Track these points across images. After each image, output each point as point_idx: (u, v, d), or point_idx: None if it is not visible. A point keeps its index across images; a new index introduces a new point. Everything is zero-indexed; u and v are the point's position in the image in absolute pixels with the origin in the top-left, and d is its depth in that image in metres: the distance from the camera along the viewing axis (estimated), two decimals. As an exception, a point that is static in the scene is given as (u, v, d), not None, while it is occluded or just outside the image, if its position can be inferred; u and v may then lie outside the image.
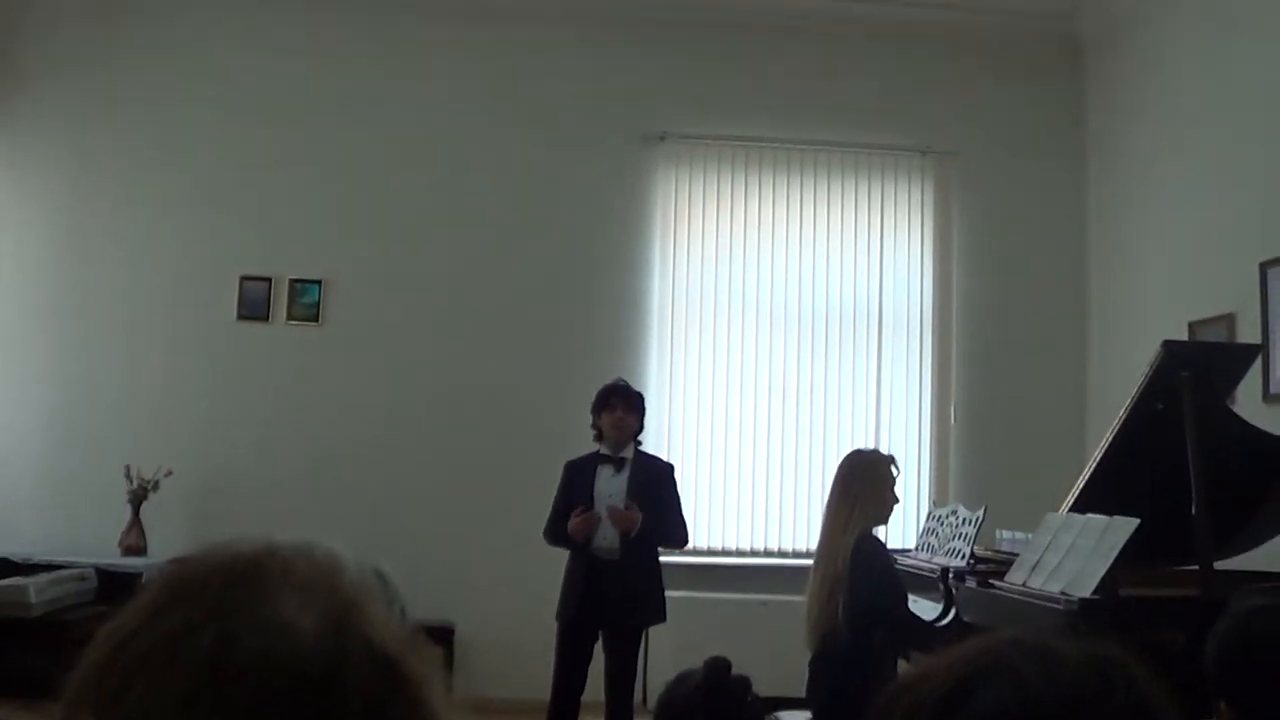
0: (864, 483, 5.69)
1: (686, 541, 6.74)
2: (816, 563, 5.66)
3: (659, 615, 6.50)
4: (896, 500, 5.87)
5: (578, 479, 6.47)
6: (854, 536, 5.49)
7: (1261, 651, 2.39)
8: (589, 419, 6.75)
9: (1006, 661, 1.12)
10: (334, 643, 1.05)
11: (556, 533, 6.42)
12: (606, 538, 6.28)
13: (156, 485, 7.88)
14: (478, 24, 8.76)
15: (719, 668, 2.81)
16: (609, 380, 6.65)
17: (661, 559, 8.29)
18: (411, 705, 1.07)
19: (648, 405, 8.40)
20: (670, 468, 6.69)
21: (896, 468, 5.90)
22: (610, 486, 6.38)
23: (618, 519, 6.24)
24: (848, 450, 8.31)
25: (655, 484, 6.48)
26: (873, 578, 5.40)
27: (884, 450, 6.24)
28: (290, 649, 1.03)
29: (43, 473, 8.24)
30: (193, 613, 1.06)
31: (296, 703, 1.02)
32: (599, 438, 6.52)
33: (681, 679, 2.86)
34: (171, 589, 1.08)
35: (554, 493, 6.46)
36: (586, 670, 6.29)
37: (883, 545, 5.80)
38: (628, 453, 6.47)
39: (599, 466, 6.44)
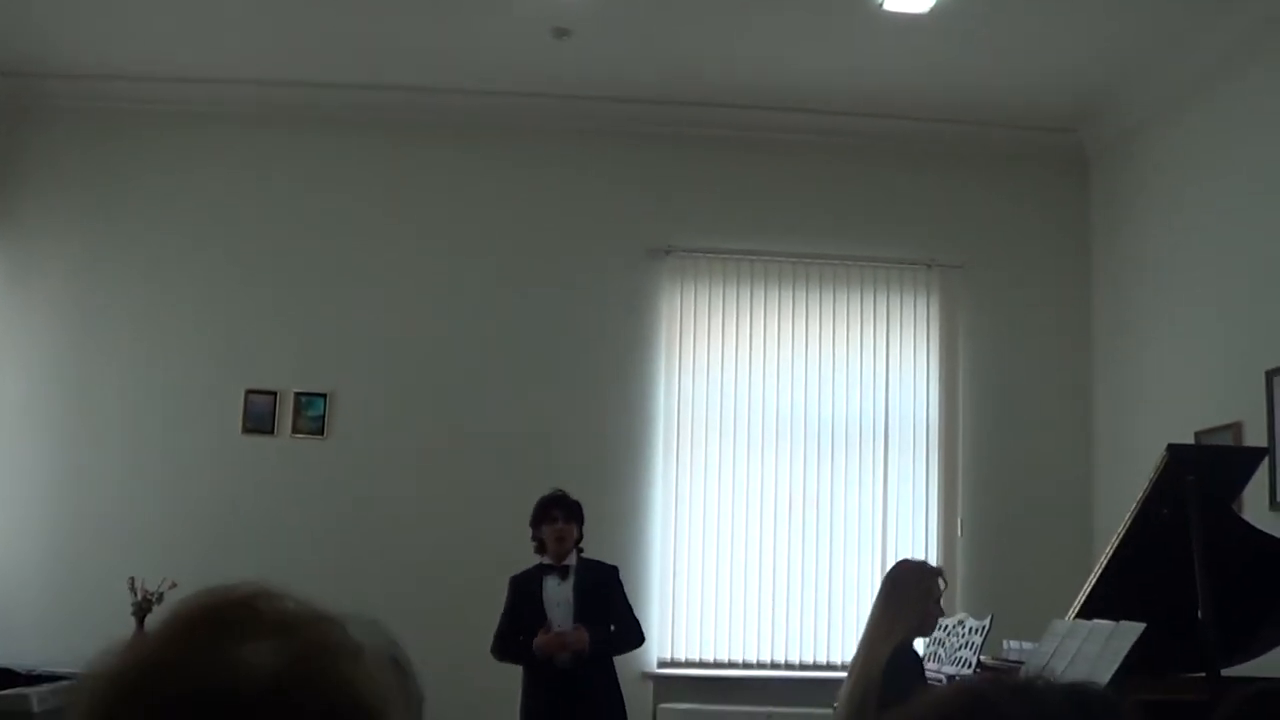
0: (906, 594, 5.62)
1: (644, 640, 6.79)
2: (852, 667, 5.61)
3: (620, 718, 6.52)
4: (941, 613, 5.81)
5: (524, 592, 6.50)
6: (891, 647, 5.44)
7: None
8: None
9: (989, 699, 1.11)
10: (295, 685, 1.05)
11: (506, 647, 6.48)
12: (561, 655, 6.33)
13: (161, 597, 7.81)
14: (480, 139, 8.85)
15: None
16: (546, 492, 6.66)
17: (665, 671, 8.30)
18: None
19: (655, 520, 8.44)
20: (615, 570, 6.68)
21: (944, 580, 5.83)
22: (557, 595, 6.42)
23: (571, 642, 6.29)
24: (852, 562, 8.37)
25: (603, 587, 6.52)
26: (907, 689, 5.32)
27: (931, 561, 6.19)
28: (239, 683, 1.03)
29: (46, 585, 8.20)
30: (167, 643, 1.06)
31: None
32: (540, 549, 6.53)
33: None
34: (168, 622, 1.10)
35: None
36: None
37: (919, 658, 5.73)
38: (570, 560, 6.49)
39: (544, 577, 6.46)
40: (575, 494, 6.66)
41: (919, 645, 5.82)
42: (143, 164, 8.74)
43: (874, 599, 5.78)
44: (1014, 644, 6.51)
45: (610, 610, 6.51)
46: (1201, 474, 5.24)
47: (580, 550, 6.57)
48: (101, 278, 8.61)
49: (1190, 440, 7.15)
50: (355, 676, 1.09)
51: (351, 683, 1.08)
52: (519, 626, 6.46)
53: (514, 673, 6.56)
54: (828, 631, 8.36)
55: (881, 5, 7.27)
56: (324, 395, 8.54)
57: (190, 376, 8.51)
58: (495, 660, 6.52)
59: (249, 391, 8.52)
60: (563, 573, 6.45)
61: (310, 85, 8.62)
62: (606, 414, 8.61)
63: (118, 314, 8.57)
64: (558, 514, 6.48)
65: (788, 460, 8.62)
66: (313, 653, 1.08)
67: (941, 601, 5.77)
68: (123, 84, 8.62)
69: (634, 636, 6.63)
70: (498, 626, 6.52)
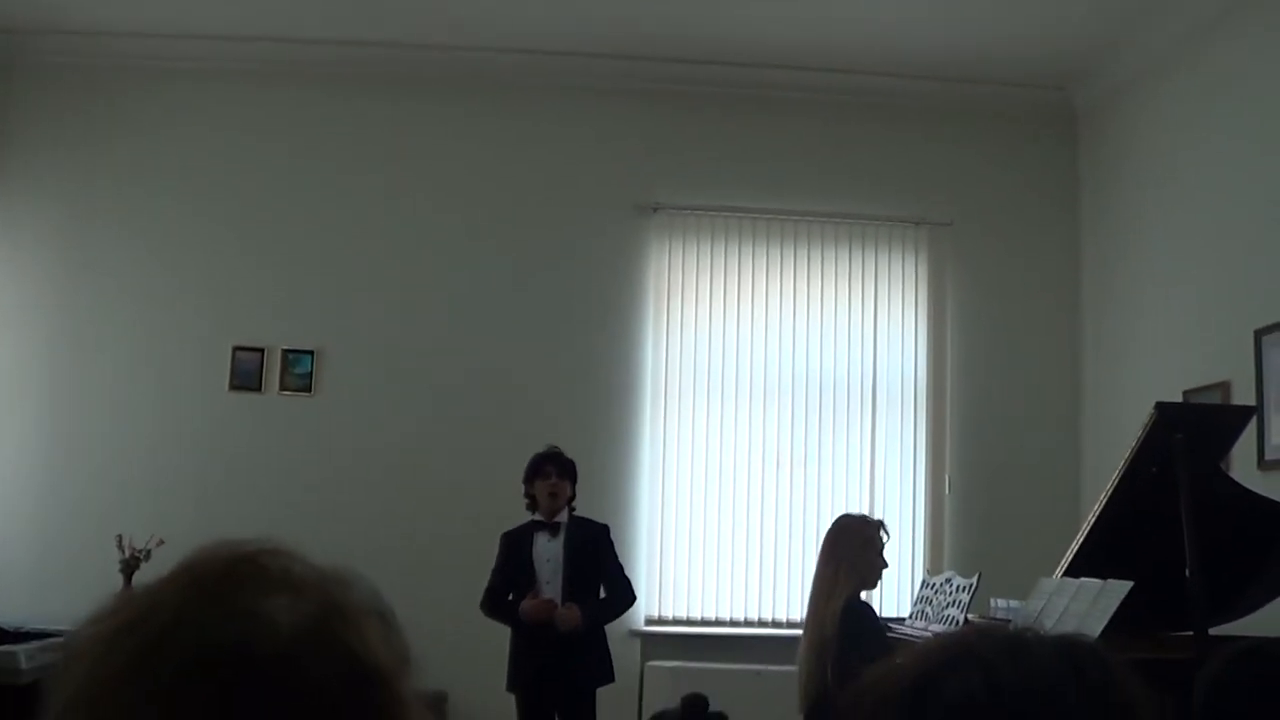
0: (848, 547, 5.68)
1: (634, 600, 6.85)
2: (806, 627, 5.64)
3: (608, 676, 6.53)
4: (885, 565, 5.84)
5: (515, 548, 6.52)
6: (841, 601, 5.48)
7: (1248, 692, 2.36)
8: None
9: (975, 651, 1.11)
10: (310, 644, 1.04)
11: (494, 604, 6.49)
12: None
13: (148, 555, 7.79)
14: (469, 96, 8.81)
15: (696, 704, 2.79)
16: (541, 448, 6.68)
17: (652, 629, 8.32)
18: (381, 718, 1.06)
19: (642, 478, 8.44)
20: (606, 529, 6.70)
21: (886, 533, 5.87)
22: (548, 551, 6.44)
23: (561, 621, 6.28)
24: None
25: (593, 545, 6.54)
26: (862, 640, 5.37)
27: (877, 516, 6.19)
28: (255, 640, 1.02)
29: (34, 542, 8.19)
30: (178, 597, 1.05)
31: (252, 691, 1.01)
32: (531, 506, 6.54)
33: (659, 716, 2.85)
34: (175, 575, 1.08)
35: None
36: None
37: (871, 609, 5.77)
38: (562, 518, 6.51)
39: (535, 533, 6.47)
40: (560, 450, 6.67)
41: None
42: (131, 120, 8.69)
43: (817, 555, 5.82)
44: (1001, 602, 6.52)
45: (600, 569, 6.52)
46: (1189, 432, 5.23)
47: (572, 508, 6.58)
48: (90, 234, 8.56)
49: (1179, 399, 7.15)
50: (368, 641, 1.08)
51: (365, 646, 1.07)
52: (509, 583, 6.48)
53: (503, 629, 6.57)
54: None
55: (872, -39, 7.23)
56: (311, 352, 8.52)
57: (178, 333, 8.48)
58: (484, 616, 6.55)
59: (236, 348, 8.50)
60: (554, 529, 6.46)
61: (299, 41, 8.56)
62: (594, 371, 8.59)
63: (106, 271, 8.53)
64: (551, 470, 6.49)
65: (775, 418, 8.61)
66: (328, 614, 1.07)
67: (885, 553, 5.82)
68: (112, 39, 8.57)
69: (626, 596, 6.65)
70: (488, 582, 6.54)
